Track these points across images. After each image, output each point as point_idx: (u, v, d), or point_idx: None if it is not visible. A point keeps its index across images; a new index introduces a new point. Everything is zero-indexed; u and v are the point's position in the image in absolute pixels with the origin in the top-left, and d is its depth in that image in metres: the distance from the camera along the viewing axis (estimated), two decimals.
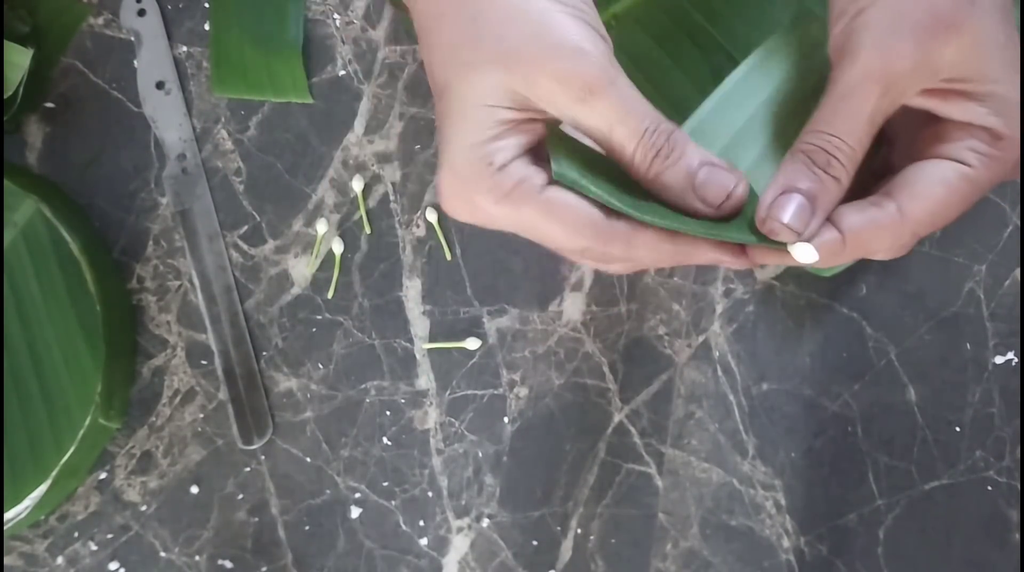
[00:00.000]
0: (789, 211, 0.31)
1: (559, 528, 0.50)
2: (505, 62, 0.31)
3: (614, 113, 0.31)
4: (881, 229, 0.32)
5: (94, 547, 0.52)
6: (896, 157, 0.34)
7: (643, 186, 0.32)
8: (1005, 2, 0.31)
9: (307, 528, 0.51)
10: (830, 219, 0.32)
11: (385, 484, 0.51)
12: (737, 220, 0.32)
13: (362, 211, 0.53)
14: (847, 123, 0.31)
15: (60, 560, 0.52)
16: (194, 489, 0.52)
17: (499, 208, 0.32)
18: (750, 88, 0.35)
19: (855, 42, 0.31)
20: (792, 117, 0.34)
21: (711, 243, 0.32)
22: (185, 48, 0.55)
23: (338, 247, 0.53)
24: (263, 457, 0.52)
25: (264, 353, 0.53)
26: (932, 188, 0.31)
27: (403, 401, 0.52)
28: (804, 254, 0.31)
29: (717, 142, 0.34)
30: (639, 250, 0.32)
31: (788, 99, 0.34)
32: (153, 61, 0.55)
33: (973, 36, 0.30)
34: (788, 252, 0.32)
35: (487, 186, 0.32)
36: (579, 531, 0.50)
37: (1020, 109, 0.31)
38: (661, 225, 0.31)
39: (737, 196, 0.31)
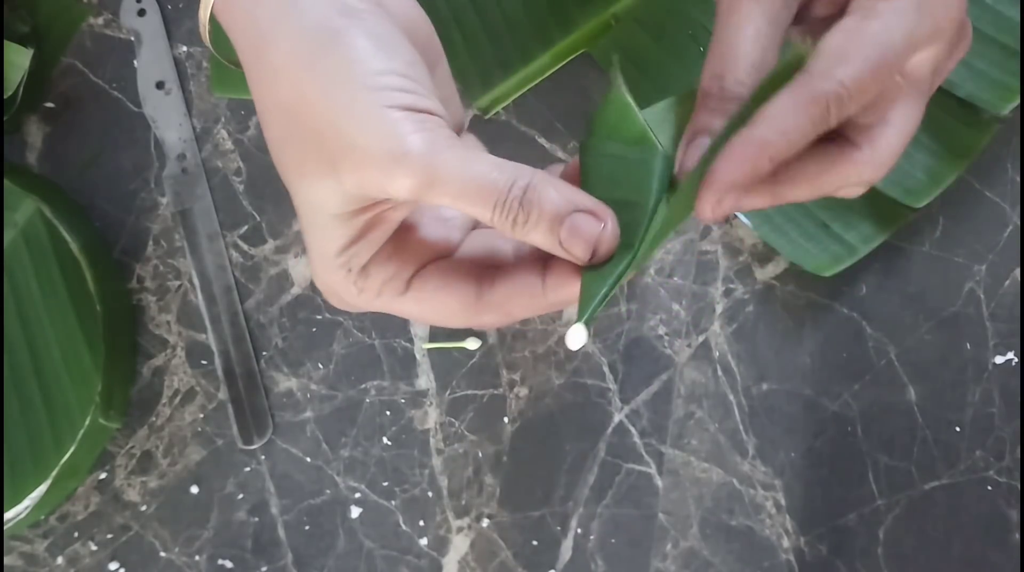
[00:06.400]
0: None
1: (559, 528, 0.50)
2: (331, 169, 0.29)
3: (457, 197, 0.29)
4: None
5: (94, 547, 0.52)
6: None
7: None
8: None
9: (307, 528, 0.51)
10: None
11: (385, 484, 0.51)
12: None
13: None
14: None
15: (60, 560, 0.52)
16: (194, 489, 0.52)
17: (373, 304, 0.32)
18: None
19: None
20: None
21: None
22: (185, 48, 0.55)
23: None
24: (263, 457, 0.52)
25: (264, 353, 0.53)
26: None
27: (403, 401, 0.52)
28: (574, 338, 0.30)
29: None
30: (516, 312, 0.32)
31: None
32: (153, 61, 0.55)
33: None
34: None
35: (354, 291, 0.32)
36: (579, 531, 0.50)
37: None
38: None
39: (607, 239, 0.29)
